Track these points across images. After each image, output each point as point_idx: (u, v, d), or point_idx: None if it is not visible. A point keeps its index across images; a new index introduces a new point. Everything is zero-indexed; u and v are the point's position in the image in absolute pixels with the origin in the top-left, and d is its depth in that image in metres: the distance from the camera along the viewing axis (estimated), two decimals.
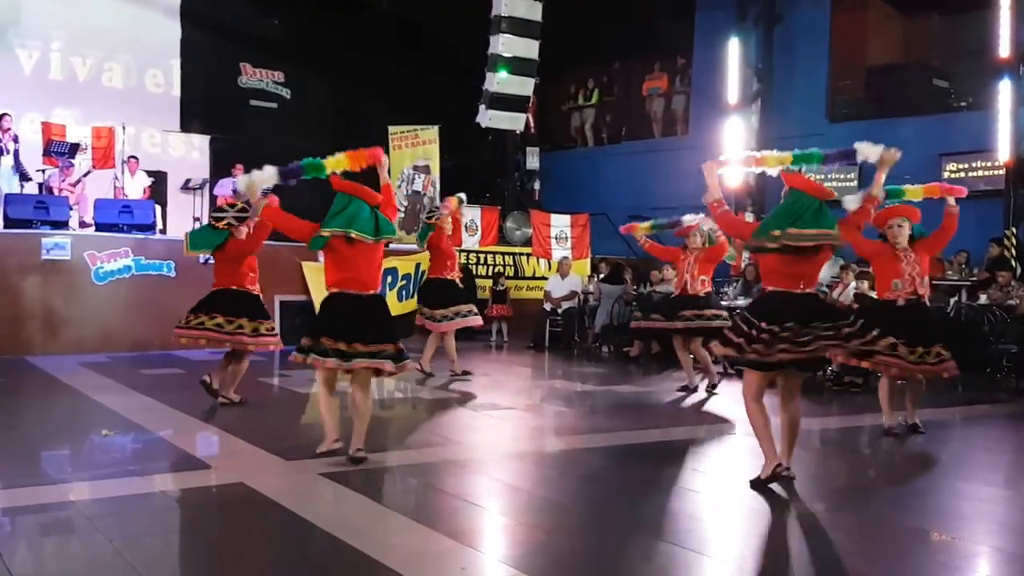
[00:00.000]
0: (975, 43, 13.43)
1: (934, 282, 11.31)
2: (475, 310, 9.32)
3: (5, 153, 11.99)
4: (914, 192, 6.57)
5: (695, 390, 8.50)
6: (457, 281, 9.19)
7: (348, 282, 5.27)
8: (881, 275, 6.47)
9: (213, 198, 13.12)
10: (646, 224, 8.77)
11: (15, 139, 12.16)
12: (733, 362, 5.03)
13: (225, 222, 7.08)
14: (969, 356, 9.63)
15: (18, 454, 5.59)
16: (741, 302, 10.67)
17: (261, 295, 7.34)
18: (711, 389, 8.43)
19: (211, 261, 7.42)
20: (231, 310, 7.07)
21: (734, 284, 11.60)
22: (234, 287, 7.11)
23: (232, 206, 7.18)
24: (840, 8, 15.41)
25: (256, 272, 7.27)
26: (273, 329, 7.40)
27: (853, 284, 9.25)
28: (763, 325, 4.75)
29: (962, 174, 13.41)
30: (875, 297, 6.81)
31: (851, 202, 5.39)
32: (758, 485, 4.85)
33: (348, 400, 5.39)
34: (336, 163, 5.36)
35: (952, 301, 10.43)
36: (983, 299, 10.29)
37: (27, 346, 10.38)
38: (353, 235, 5.17)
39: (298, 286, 12.01)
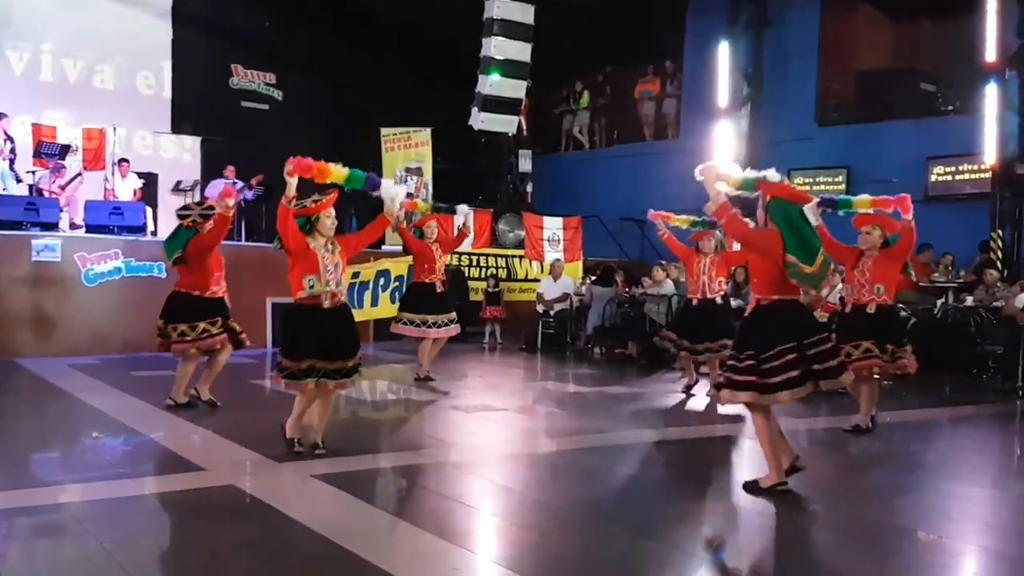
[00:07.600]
0: (963, 48, 13.52)
1: (921, 284, 11.39)
2: (447, 320, 8.84)
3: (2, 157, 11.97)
4: (862, 203, 6.18)
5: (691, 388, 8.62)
6: (438, 285, 8.79)
7: None
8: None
9: (204, 200, 13.06)
10: (684, 217, 8.17)
11: (9, 139, 12.12)
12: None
13: (190, 219, 6.84)
14: (956, 357, 9.75)
15: (8, 457, 5.58)
16: (731, 303, 10.70)
17: (227, 295, 7.16)
18: (688, 390, 8.63)
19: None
20: (202, 315, 6.92)
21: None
22: (196, 292, 6.92)
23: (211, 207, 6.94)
24: (830, 13, 15.48)
25: (222, 271, 7.09)
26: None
27: (839, 286, 9.25)
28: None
29: (949, 177, 13.52)
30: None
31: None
32: (753, 490, 4.80)
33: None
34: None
35: (939, 303, 10.49)
36: (969, 301, 10.36)
37: (17, 348, 10.34)
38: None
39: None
